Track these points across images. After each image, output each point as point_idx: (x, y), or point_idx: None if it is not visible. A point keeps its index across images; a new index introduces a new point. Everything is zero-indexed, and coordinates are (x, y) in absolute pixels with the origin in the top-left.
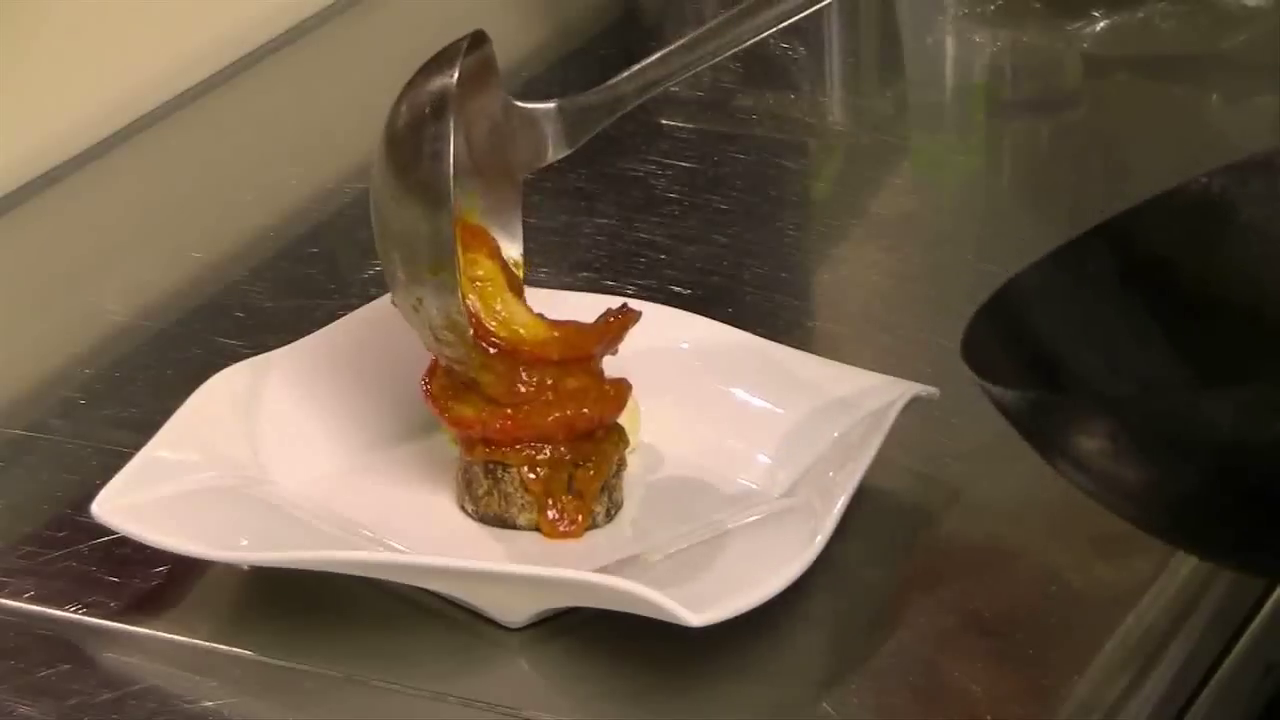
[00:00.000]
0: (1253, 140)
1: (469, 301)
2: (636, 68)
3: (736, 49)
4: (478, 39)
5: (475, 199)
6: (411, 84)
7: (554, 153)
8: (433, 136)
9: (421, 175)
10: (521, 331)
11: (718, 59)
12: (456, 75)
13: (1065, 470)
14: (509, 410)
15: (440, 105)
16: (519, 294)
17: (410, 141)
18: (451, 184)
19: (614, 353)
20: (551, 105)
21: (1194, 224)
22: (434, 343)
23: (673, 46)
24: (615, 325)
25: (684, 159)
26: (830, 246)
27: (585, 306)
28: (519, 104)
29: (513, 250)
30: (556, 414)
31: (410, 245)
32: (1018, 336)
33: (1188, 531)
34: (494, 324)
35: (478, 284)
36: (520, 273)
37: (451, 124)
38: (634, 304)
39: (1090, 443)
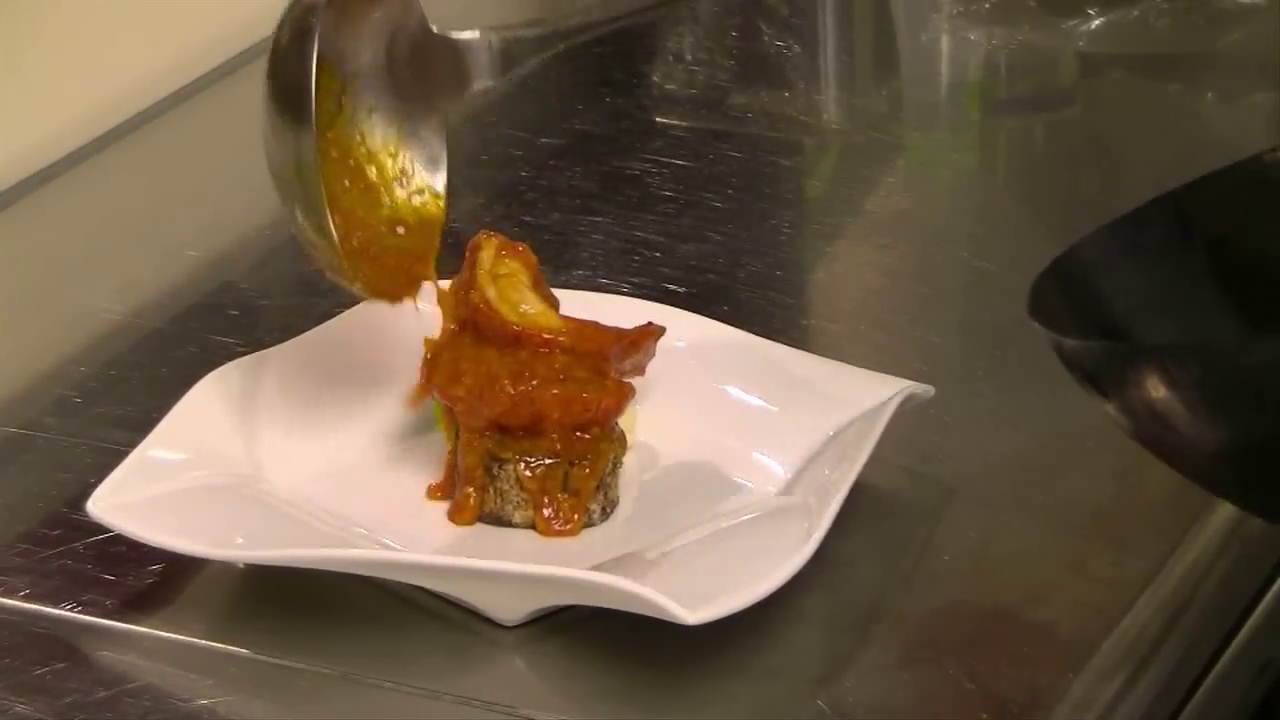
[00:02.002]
0: (1248, 138)
1: (488, 293)
2: (580, 7)
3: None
4: None
5: (395, 126)
6: None
7: (478, 83)
8: (298, 49)
9: (288, 84)
10: (538, 319)
11: (660, 10)
12: None
13: (1133, 424)
14: (509, 386)
15: (305, 24)
16: (548, 299)
17: (281, 53)
18: (313, 94)
19: (640, 373)
20: (475, 35)
21: (1250, 200)
22: (313, 256)
23: None
24: (634, 331)
25: (679, 157)
26: (825, 244)
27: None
28: (439, 32)
29: (434, 180)
30: (556, 390)
31: (280, 154)
32: (1081, 297)
33: (1255, 488)
34: (513, 315)
35: (500, 278)
36: (441, 204)
37: (316, 38)
38: (631, 302)
39: (1156, 393)
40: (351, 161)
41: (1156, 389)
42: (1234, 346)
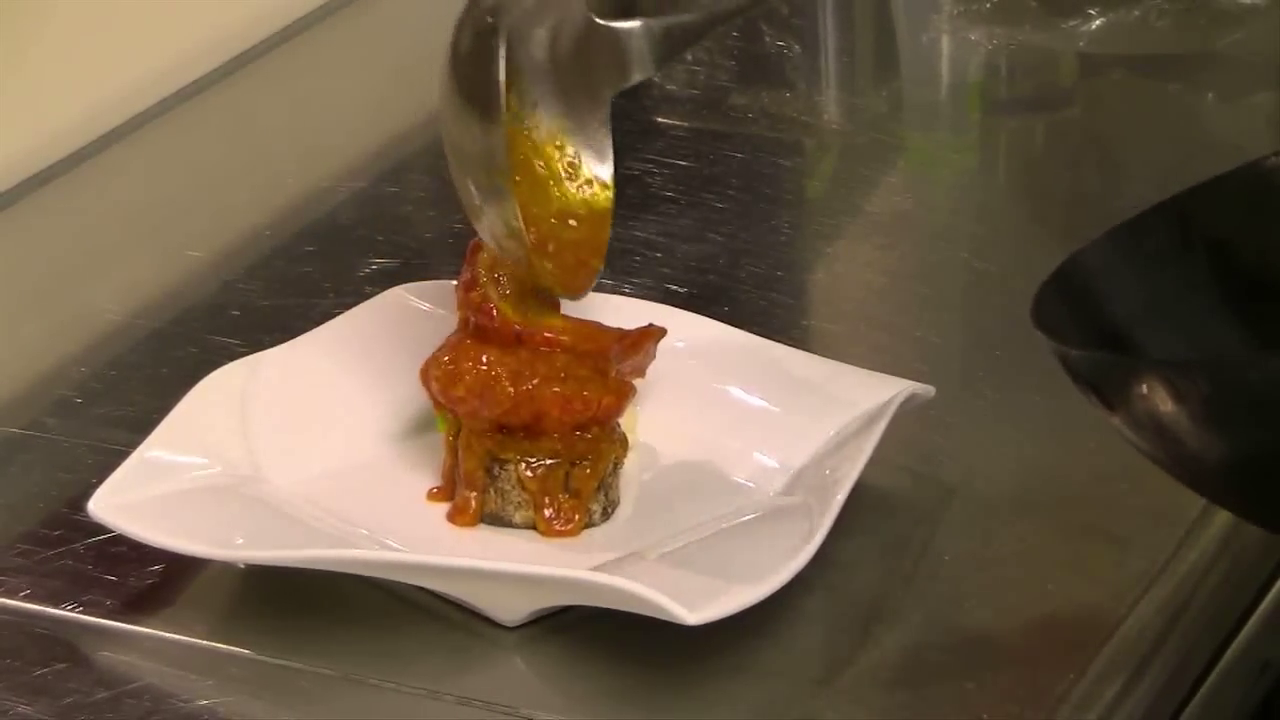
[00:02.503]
0: (1248, 139)
1: (490, 293)
2: None
3: None
4: None
5: (563, 120)
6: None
7: (640, 71)
8: (486, 48)
9: (476, 87)
10: (539, 318)
11: None
12: None
13: (1139, 436)
14: (509, 386)
15: (495, 15)
16: (548, 299)
17: (467, 54)
18: (503, 95)
19: (641, 375)
20: (637, 24)
21: (1250, 205)
22: (500, 253)
23: None
24: (635, 333)
25: (680, 158)
26: (826, 245)
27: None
28: (601, 22)
29: (601, 170)
30: (557, 389)
31: (470, 155)
32: (1084, 307)
33: (1261, 502)
34: (514, 315)
35: (500, 278)
36: (609, 194)
37: (504, 36)
38: (631, 302)
39: (1164, 407)
40: (520, 156)
41: (1163, 403)
42: (1242, 361)
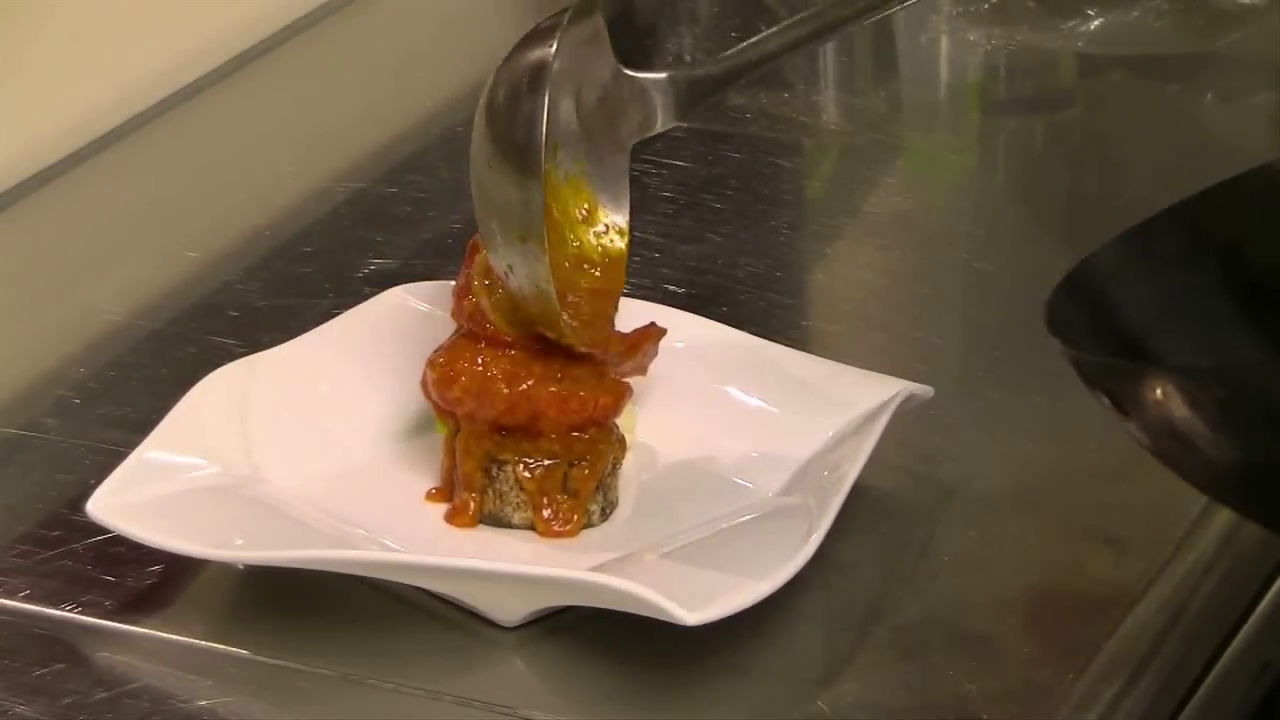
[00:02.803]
0: (1248, 139)
1: (481, 302)
2: (751, 40)
3: (853, 24)
4: (584, 8)
5: (582, 164)
6: (512, 53)
7: (663, 123)
8: (527, 110)
9: (515, 147)
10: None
11: (832, 35)
12: (555, 48)
13: (1153, 442)
14: (505, 386)
15: (537, 79)
16: None
17: (506, 112)
18: (542, 158)
19: (643, 373)
20: (662, 76)
21: (1262, 208)
22: (526, 307)
23: (789, 21)
24: (634, 334)
25: (679, 158)
26: (825, 245)
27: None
28: (629, 72)
29: (618, 217)
30: (553, 389)
31: (503, 212)
32: (1097, 311)
33: (1268, 503)
34: (503, 325)
35: (496, 282)
36: (625, 240)
37: (546, 99)
38: (631, 302)
39: (1179, 413)
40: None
41: (1178, 409)
42: (1257, 367)
